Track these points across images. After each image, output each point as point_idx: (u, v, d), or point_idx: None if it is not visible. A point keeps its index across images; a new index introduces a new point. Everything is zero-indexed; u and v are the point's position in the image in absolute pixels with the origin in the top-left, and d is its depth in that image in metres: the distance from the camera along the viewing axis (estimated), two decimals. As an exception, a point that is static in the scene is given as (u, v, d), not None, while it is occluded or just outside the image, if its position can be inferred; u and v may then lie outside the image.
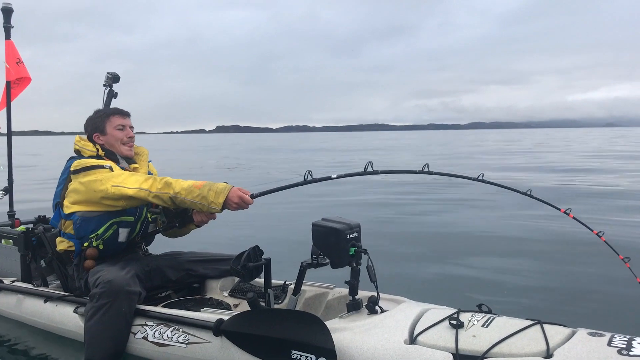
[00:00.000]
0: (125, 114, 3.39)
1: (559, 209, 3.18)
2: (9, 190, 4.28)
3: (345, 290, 2.84)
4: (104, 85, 4.22)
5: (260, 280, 2.93)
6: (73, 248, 3.19)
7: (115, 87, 4.15)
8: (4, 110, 4.23)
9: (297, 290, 2.79)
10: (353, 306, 2.60)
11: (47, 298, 3.31)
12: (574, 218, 3.13)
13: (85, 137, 3.34)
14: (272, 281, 2.89)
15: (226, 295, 3.43)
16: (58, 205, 3.28)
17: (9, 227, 3.98)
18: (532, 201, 3.25)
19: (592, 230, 3.16)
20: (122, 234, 3.20)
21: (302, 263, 2.72)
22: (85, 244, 3.12)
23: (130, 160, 3.37)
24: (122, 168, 3.22)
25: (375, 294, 2.61)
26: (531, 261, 5.49)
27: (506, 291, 4.46)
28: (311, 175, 2.84)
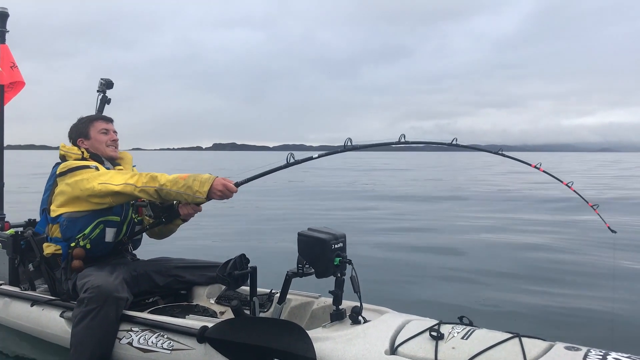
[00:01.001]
0: (108, 119, 3.50)
1: (530, 164, 3.33)
2: (-1, 193, 4.29)
3: (330, 300, 2.86)
4: (98, 91, 4.25)
5: (247, 288, 2.95)
6: (60, 251, 3.21)
7: (113, 99, 4.19)
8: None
9: (282, 299, 2.81)
10: (336, 316, 2.62)
11: (34, 302, 3.33)
12: (544, 171, 3.31)
13: (69, 143, 3.41)
14: (259, 289, 2.92)
15: (213, 302, 3.45)
16: (45, 211, 3.32)
17: (-2, 230, 3.98)
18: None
19: (561, 182, 3.34)
20: (109, 234, 3.23)
21: (287, 272, 2.75)
22: (72, 244, 3.15)
23: (114, 162, 3.44)
24: (107, 169, 3.28)
25: (358, 304, 2.64)
26: (514, 273, 5.58)
27: (483, 300, 4.52)
28: (293, 158, 2.88)
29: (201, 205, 3.09)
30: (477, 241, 7.66)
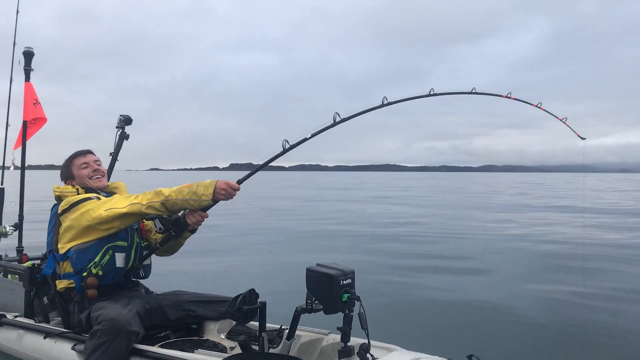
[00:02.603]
0: (84, 153, 3.58)
1: (501, 95, 3.57)
2: (19, 227, 4.38)
3: (340, 337, 2.85)
4: (117, 127, 4.37)
5: (257, 324, 2.96)
6: (73, 285, 3.26)
7: (131, 123, 4.31)
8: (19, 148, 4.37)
9: (291, 335, 2.81)
10: (344, 353, 2.61)
11: (47, 334, 3.36)
12: (515, 99, 3.57)
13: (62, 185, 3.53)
14: (269, 325, 2.92)
15: (223, 337, 3.45)
16: (51, 252, 3.39)
17: (16, 263, 4.06)
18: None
19: (532, 104, 3.61)
20: (119, 259, 3.30)
21: (296, 308, 2.75)
22: (85, 274, 3.20)
23: (110, 193, 3.51)
24: (107, 194, 3.41)
25: (366, 341, 2.63)
26: (527, 313, 5.49)
27: (493, 337, 4.45)
28: (288, 143, 2.98)
29: (207, 211, 3.17)
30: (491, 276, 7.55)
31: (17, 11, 4.31)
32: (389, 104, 3.06)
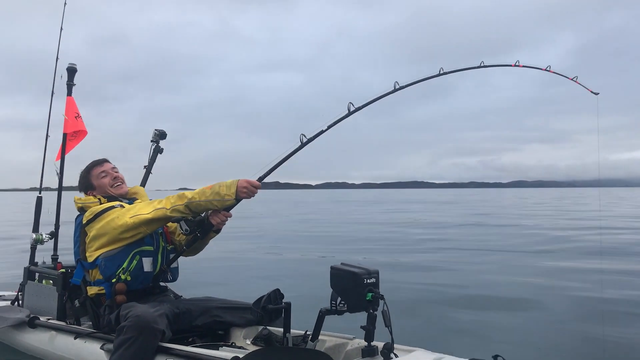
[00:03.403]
0: (100, 162, 3.66)
1: (510, 65, 3.68)
2: (55, 235, 4.51)
3: (365, 343, 2.84)
4: (152, 141, 4.50)
5: (282, 329, 2.96)
6: (104, 291, 3.34)
7: (162, 142, 4.43)
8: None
9: (315, 336, 2.82)
10: (368, 352, 2.61)
11: (77, 335, 3.43)
12: (524, 66, 3.66)
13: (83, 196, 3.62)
14: (294, 331, 2.93)
15: (249, 343, 3.46)
16: (79, 262, 3.48)
17: (51, 269, 4.18)
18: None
19: (541, 68, 3.69)
20: (147, 264, 3.36)
21: (320, 309, 2.76)
22: (114, 280, 3.28)
23: (131, 199, 3.60)
24: (130, 200, 3.50)
25: (390, 340, 2.62)
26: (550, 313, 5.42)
27: (517, 337, 4.35)
28: (305, 137, 3.06)
29: (231, 211, 3.23)
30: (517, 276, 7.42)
31: (61, 28, 4.54)
32: (401, 88, 3.18)
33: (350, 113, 3.08)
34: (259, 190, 3.11)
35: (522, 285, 7.25)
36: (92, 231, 3.32)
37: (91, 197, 3.56)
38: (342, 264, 2.73)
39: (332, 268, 2.70)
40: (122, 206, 3.38)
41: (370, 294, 2.61)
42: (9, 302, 4.35)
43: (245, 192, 3.05)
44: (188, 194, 3.13)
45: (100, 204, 3.46)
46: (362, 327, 2.65)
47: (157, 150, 4.54)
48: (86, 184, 3.64)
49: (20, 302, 4.24)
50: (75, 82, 4.54)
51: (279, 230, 17.43)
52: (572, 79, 3.72)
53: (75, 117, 4.48)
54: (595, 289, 6.53)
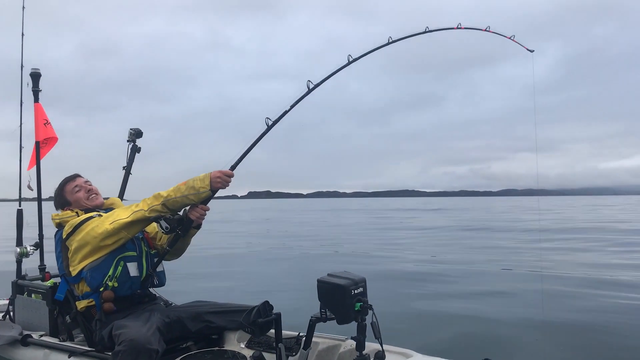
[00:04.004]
0: (72, 177, 3.66)
1: (452, 28, 3.79)
2: (39, 245, 4.45)
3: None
4: (128, 140, 4.40)
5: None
6: (93, 303, 3.32)
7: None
8: (34, 169, 4.44)
9: (307, 344, 2.82)
10: (360, 361, 2.61)
11: (71, 353, 3.42)
12: (465, 28, 3.81)
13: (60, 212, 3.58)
14: (287, 332, 2.94)
15: (243, 347, 3.48)
16: (64, 276, 3.45)
17: (39, 281, 4.13)
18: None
19: (481, 29, 3.84)
20: (132, 268, 3.36)
21: (311, 317, 2.76)
22: (101, 289, 3.26)
23: (106, 210, 3.57)
24: (106, 211, 3.47)
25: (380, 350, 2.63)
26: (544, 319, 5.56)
27: (506, 340, 4.48)
28: (270, 120, 3.13)
29: (208, 204, 3.26)
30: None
31: (22, 34, 4.35)
32: (354, 60, 3.33)
33: (310, 90, 3.17)
34: (231, 179, 3.16)
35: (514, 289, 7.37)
36: (74, 244, 3.29)
37: (68, 211, 3.53)
38: (329, 275, 2.71)
39: (318, 281, 2.67)
40: (99, 216, 3.35)
41: (359, 304, 2.60)
42: (0, 314, 4.32)
43: (219, 181, 3.10)
44: (163, 192, 3.15)
45: (78, 216, 3.43)
46: (352, 337, 2.65)
47: (135, 149, 4.45)
48: (61, 200, 3.61)
49: (11, 314, 4.21)
50: (41, 87, 4.38)
51: (270, 238, 17.55)
52: (509, 38, 3.89)
53: (45, 124, 4.35)
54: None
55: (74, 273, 3.33)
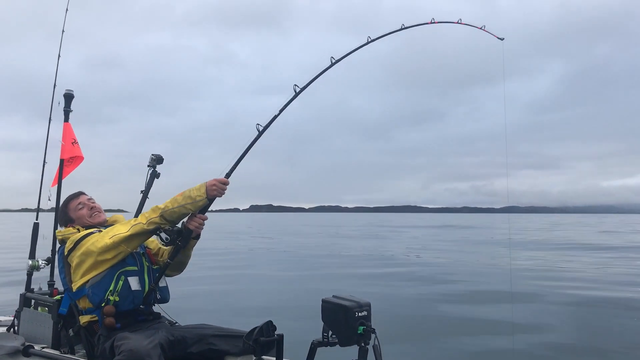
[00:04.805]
0: (76, 195, 3.74)
1: (427, 23, 3.90)
2: (51, 261, 4.51)
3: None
4: (148, 166, 4.49)
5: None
6: (96, 319, 3.33)
7: (163, 162, 4.44)
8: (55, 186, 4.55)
9: (307, 368, 2.79)
10: (360, 387, 2.58)
11: (71, 365, 3.42)
12: (439, 22, 3.93)
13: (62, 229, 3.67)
14: (288, 361, 2.91)
15: (242, 372, 3.44)
16: (67, 291, 3.51)
17: (47, 296, 4.17)
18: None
19: (453, 22, 3.97)
20: (133, 283, 3.37)
21: (312, 341, 2.75)
22: (103, 305, 3.27)
23: (108, 227, 3.59)
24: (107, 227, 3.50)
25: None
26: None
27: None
28: (261, 125, 3.22)
29: (206, 213, 3.31)
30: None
31: (59, 55, 4.57)
32: (337, 61, 3.53)
33: (297, 94, 3.32)
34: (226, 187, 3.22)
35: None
36: (75, 259, 3.34)
37: (70, 228, 3.60)
38: (333, 296, 2.72)
39: (323, 301, 2.69)
40: (100, 231, 3.42)
41: (362, 327, 2.59)
42: (4, 328, 4.34)
43: (215, 189, 3.16)
44: (161, 205, 3.21)
45: (79, 232, 3.50)
46: (353, 361, 2.63)
47: (154, 175, 4.54)
48: (65, 217, 3.70)
49: (16, 327, 4.23)
50: (71, 107, 4.55)
51: (272, 256, 17.64)
52: (480, 28, 4.04)
53: (72, 143, 4.49)
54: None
55: (75, 288, 3.37)
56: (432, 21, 3.99)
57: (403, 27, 3.90)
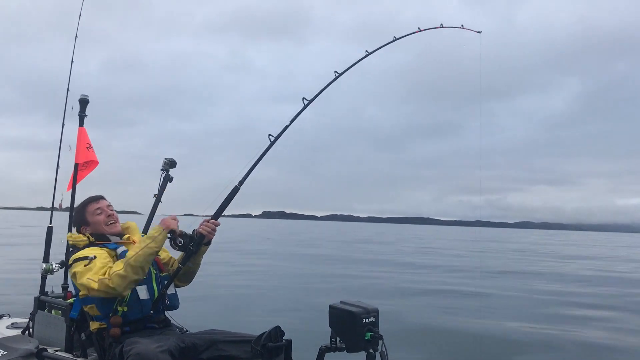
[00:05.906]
0: (97, 199, 3.69)
1: (415, 32, 4.08)
2: (65, 264, 4.56)
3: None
4: (161, 169, 4.53)
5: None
6: (105, 326, 3.35)
7: (176, 166, 4.47)
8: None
9: (315, 375, 2.79)
10: (367, 393, 2.57)
11: (83, 369, 3.44)
12: (425, 29, 4.10)
13: (75, 232, 3.67)
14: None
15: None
16: (77, 296, 3.52)
17: (61, 299, 4.21)
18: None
19: (437, 27, 4.15)
20: (142, 292, 3.38)
21: (320, 347, 2.74)
22: (111, 315, 3.29)
23: (121, 235, 3.62)
24: (115, 244, 3.50)
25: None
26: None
27: None
28: (272, 136, 3.32)
29: (219, 219, 3.41)
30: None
31: (72, 60, 4.63)
32: (340, 74, 3.69)
33: (305, 106, 3.42)
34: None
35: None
36: (73, 279, 3.36)
37: (81, 235, 3.58)
38: (341, 302, 2.71)
39: (330, 307, 2.68)
40: (94, 257, 3.31)
41: (369, 334, 2.58)
42: (19, 331, 4.39)
43: (167, 221, 3.23)
44: (125, 258, 3.19)
45: (90, 243, 3.50)
46: (360, 367, 2.62)
47: (167, 179, 4.57)
48: (81, 219, 3.67)
49: (31, 330, 4.28)
50: (86, 110, 4.60)
51: (283, 262, 17.69)
52: (460, 27, 4.23)
53: (87, 147, 4.54)
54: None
55: (82, 296, 3.39)
56: (419, 29, 4.17)
57: (395, 38, 4.05)
